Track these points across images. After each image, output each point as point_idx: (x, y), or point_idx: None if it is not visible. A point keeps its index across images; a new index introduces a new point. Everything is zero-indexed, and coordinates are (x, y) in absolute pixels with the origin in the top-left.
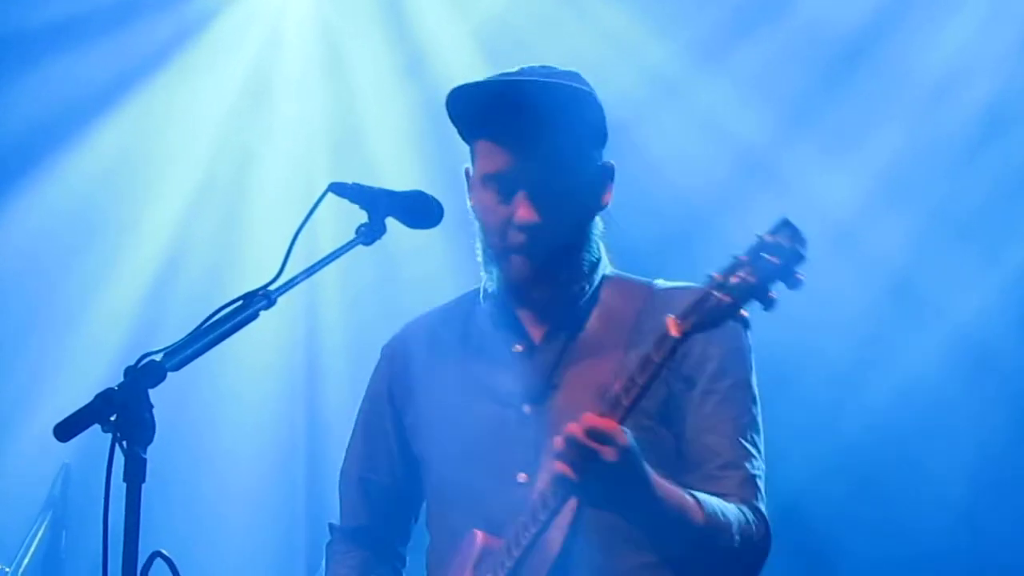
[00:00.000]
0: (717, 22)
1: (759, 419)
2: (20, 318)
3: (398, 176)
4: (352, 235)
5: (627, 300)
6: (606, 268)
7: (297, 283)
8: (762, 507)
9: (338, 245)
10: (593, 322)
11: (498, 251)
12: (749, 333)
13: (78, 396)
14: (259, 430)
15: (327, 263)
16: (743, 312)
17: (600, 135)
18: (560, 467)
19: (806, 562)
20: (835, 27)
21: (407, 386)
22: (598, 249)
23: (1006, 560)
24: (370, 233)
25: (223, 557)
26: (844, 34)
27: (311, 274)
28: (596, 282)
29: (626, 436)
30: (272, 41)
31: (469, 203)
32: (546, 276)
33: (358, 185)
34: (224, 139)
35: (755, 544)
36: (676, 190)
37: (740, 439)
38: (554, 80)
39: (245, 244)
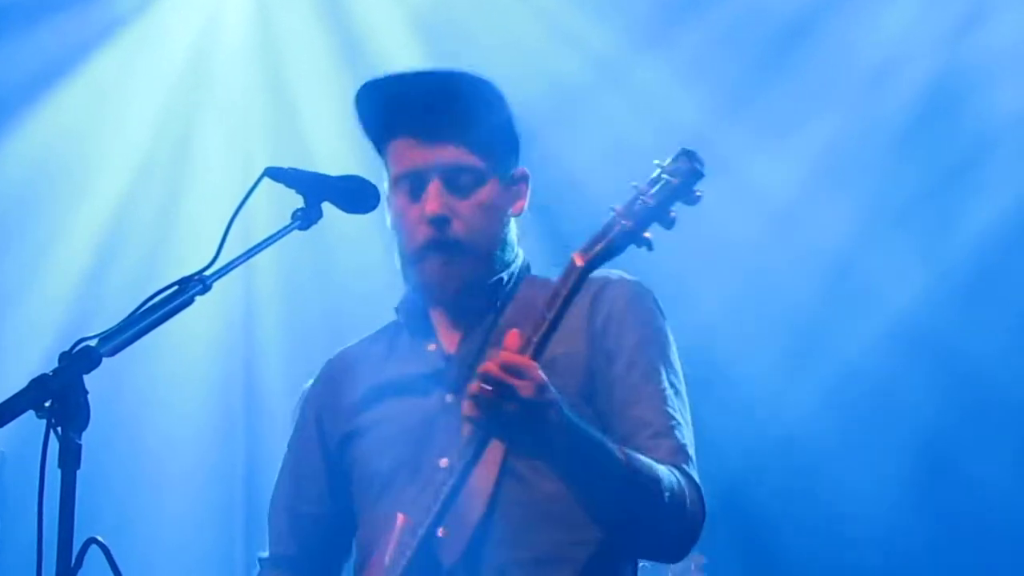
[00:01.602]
0: (656, 4)
1: (683, 389)
2: None
3: (334, 161)
4: (288, 220)
5: (542, 292)
6: (528, 271)
7: (233, 268)
8: (694, 474)
9: (274, 230)
10: (509, 315)
11: (411, 253)
12: (660, 307)
13: (12, 382)
14: (196, 415)
15: (263, 248)
16: (646, 234)
17: (512, 140)
18: (475, 408)
19: (745, 552)
20: (774, 10)
21: (334, 408)
22: (514, 253)
23: (947, 545)
24: (306, 218)
25: (159, 543)
26: (782, 17)
27: (247, 259)
28: (513, 281)
29: (539, 371)
30: (209, 25)
31: (388, 221)
32: (459, 277)
33: (294, 169)
34: (161, 123)
35: (686, 509)
36: (615, 175)
37: (667, 408)
38: (464, 73)
39: (182, 229)
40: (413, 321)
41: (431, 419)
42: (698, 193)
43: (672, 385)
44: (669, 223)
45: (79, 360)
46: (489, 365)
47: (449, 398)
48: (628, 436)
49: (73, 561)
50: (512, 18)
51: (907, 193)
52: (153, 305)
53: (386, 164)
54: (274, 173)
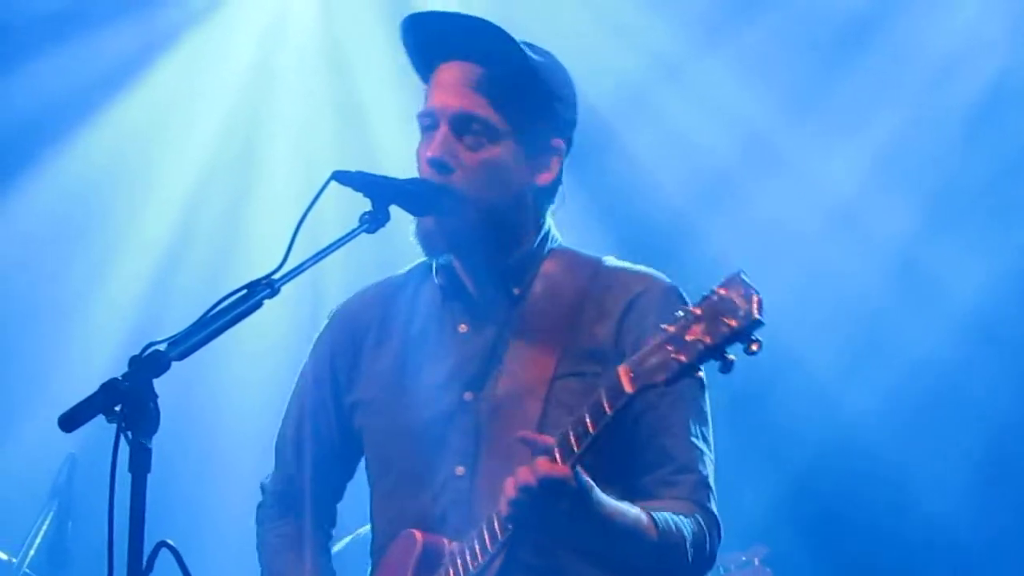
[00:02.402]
0: (718, 4)
1: (708, 413)
2: (24, 308)
3: (401, 163)
4: (356, 223)
5: (571, 276)
6: (553, 241)
7: (301, 271)
8: (713, 507)
9: (342, 233)
10: (533, 300)
11: None
12: None
13: (83, 386)
14: (264, 419)
15: (331, 251)
16: (699, 373)
17: (547, 110)
18: (512, 510)
19: (809, 543)
20: (837, 6)
21: (350, 360)
22: (535, 223)
23: (1015, 539)
24: (374, 221)
25: (229, 547)
26: (845, 13)
27: (315, 262)
28: (537, 254)
29: (577, 481)
30: (275, 30)
31: None
32: (454, 234)
33: (361, 173)
34: (227, 128)
35: (706, 554)
36: (678, 173)
37: (692, 439)
38: (516, 40)
39: (249, 233)
40: (451, 289)
41: (449, 416)
42: (757, 344)
43: (700, 410)
44: (728, 367)
45: (149, 364)
46: (527, 476)
47: (468, 396)
48: (653, 467)
49: (144, 564)
50: (573, 17)
51: (971, 187)
52: (222, 309)
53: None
54: (341, 176)
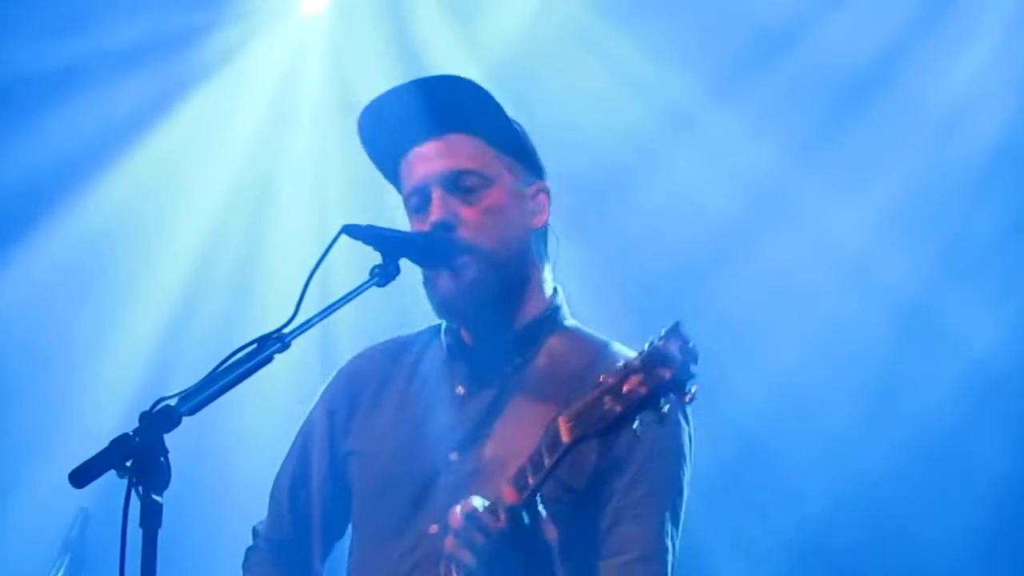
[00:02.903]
0: (727, 57)
1: (681, 511)
2: (35, 360)
3: None
4: (366, 276)
5: (575, 354)
6: (563, 318)
7: (312, 325)
8: None
9: (352, 287)
10: (535, 371)
11: (427, 272)
12: (689, 416)
13: (93, 439)
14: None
15: (341, 305)
16: (634, 425)
17: (523, 150)
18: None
19: None
20: (845, 60)
21: (348, 412)
22: (539, 279)
23: None
24: (384, 275)
25: None
26: (854, 67)
27: (325, 316)
28: (545, 326)
29: (528, 508)
30: (287, 84)
31: None
32: (470, 285)
33: (371, 227)
34: (238, 181)
35: None
36: (689, 225)
37: (661, 533)
38: (451, 76)
39: (259, 287)
40: (456, 350)
41: (433, 475)
42: (690, 394)
43: (673, 505)
44: (661, 418)
45: (159, 419)
46: (457, 515)
47: (454, 456)
48: (615, 552)
49: None
50: (584, 69)
51: (981, 240)
52: (232, 363)
53: (401, 192)
54: (352, 230)
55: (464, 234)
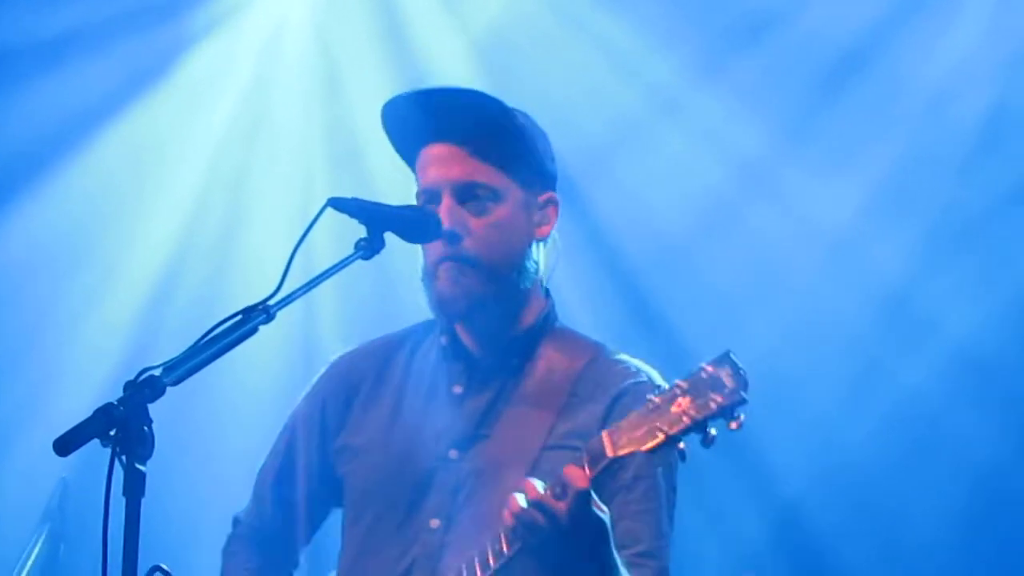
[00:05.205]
0: (714, 36)
1: (676, 492)
2: (18, 331)
3: (396, 190)
4: (351, 249)
5: (570, 358)
6: (555, 321)
7: (296, 298)
8: None
9: (337, 259)
10: (530, 375)
11: (428, 267)
12: None
13: (77, 409)
14: (258, 443)
15: (326, 277)
16: (680, 445)
17: (538, 164)
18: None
19: (806, 571)
20: (831, 39)
21: (342, 406)
22: (531, 280)
23: (1005, 572)
24: (369, 248)
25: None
26: (840, 46)
27: (310, 288)
28: (541, 331)
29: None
30: (271, 56)
31: None
32: (468, 292)
33: (357, 200)
34: (223, 153)
35: None
36: (673, 204)
37: (660, 529)
38: (486, 94)
39: (244, 258)
40: (453, 350)
41: (431, 473)
42: (739, 421)
43: (670, 502)
44: (708, 441)
45: (144, 389)
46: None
47: (453, 454)
48: (618, 546)
49: None
50: (571, 48)
51: (966, 221)
52: (217, 334)
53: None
54: (337, 203)
55: (469, 245)
